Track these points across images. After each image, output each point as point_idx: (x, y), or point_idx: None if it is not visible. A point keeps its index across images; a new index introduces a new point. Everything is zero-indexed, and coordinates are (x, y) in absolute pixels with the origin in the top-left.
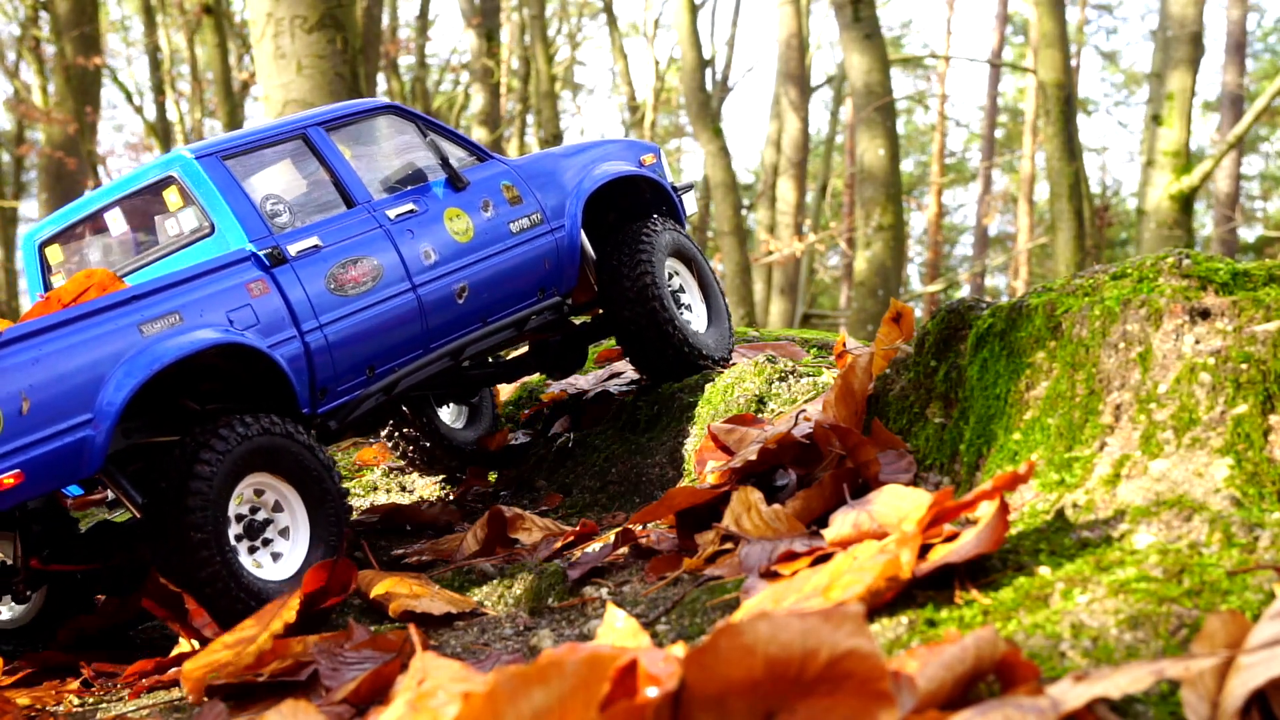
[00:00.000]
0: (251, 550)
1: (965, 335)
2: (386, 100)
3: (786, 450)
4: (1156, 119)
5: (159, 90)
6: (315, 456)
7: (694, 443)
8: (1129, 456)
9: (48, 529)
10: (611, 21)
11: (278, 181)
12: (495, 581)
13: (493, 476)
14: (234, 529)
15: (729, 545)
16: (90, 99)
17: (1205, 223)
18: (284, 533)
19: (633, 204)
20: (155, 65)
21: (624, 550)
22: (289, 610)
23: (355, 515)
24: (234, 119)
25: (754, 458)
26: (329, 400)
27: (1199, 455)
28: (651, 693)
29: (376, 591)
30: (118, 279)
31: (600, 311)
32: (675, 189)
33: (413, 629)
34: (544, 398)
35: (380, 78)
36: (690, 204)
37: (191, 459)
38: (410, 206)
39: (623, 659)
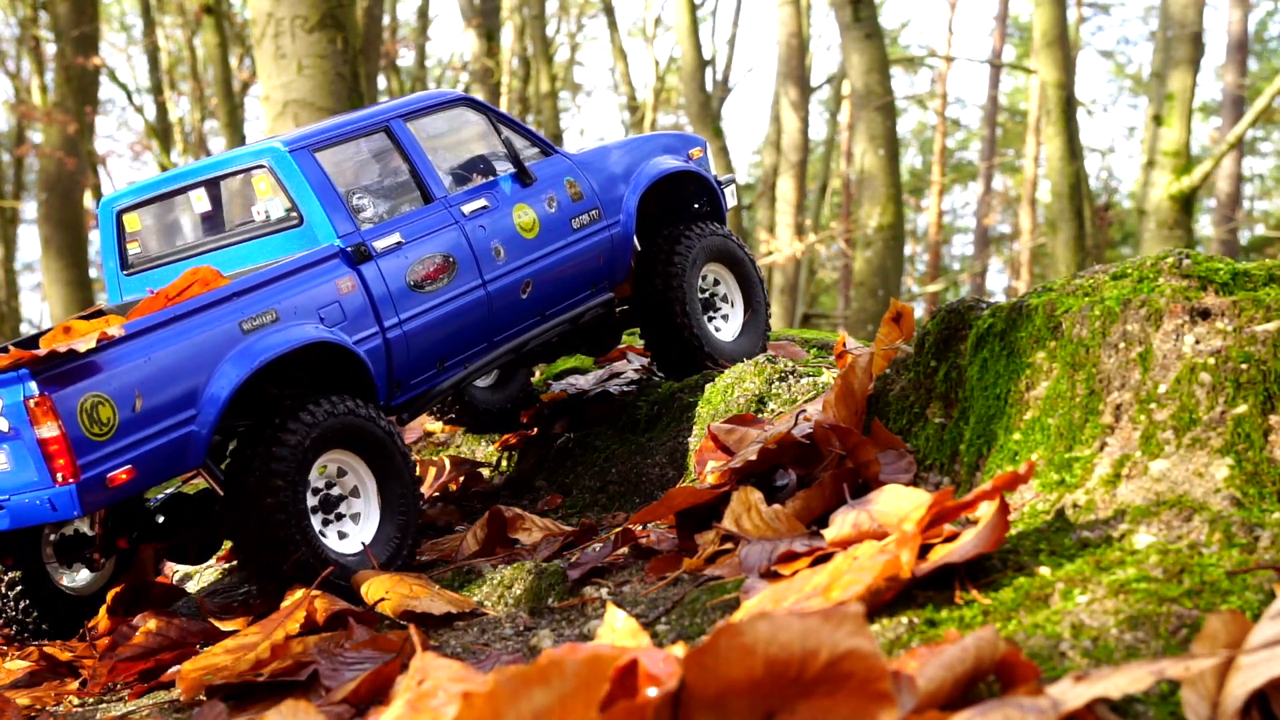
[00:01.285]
0: (327, 523)
1: (965, 335)
2: (462, 92)
3: (786, 450)
4: (1157, 119)
5: (159, 90)
6: (389, 437)
7: (694, 443)
8: (1129, 456)
9: (126, 503)
10: (611, 22)
11: (362, 174)
12: (495, 581)
13: (492, 476)
14: (311, 503)
15: (729, 545)
16: (90, 99)
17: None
18: (357, 506)
19: (677, 196)
20: (155, 65)
21: (624, 550)
22: (293, 621)
23: None
24: (234, 119)
25: (754, 458)
26: (403, 393)
27: (1199, 455)
28: (652, 693)
29: (376, 592)
30: (220, 275)
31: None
32: (719, 182)
33: (413, 629)
34: (544, 398)
35: (380, 78)
36: (731, 197)
37: (273, 440)
38: (483, 203)
39: (623, 659)
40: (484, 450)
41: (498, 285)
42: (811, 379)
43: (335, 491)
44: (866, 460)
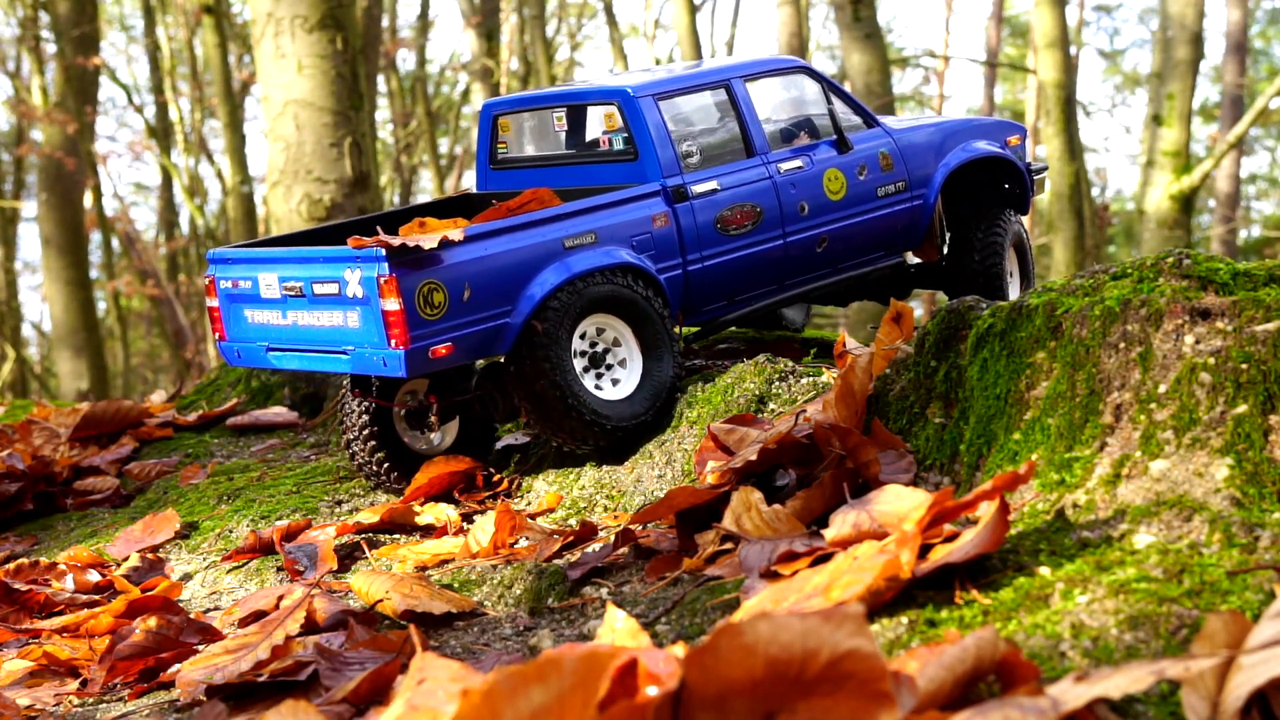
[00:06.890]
0: (599, 376)
1: (965, 335)
2: (802, 60)
3: (786, 450)
4: (1157, 119)
5: (159, 90)
6: (656, 311)
7: (694, 443)
8: (1129, 456)
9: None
10: (611, 22)
11: (696, 124)
12: (495, 581)
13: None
14: (580, 364)
15: (729, 545)
16: (90, 99)
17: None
18: (622, 364)
19: (985, 176)
20: (155, 65)
21: (624, 550)
22: (293, 621)
23: (354, 517)
24: (234, 119)
25: (754, 458)
26: (694, 318)
27: (1199, 455)
28: (652, 692)
29: (376, 591)
30: (555, 196)
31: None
32: (1030, 170)
33: (413, 629)
34: None
35: (380, 78)
36: (1041, 186)
37: (545, 307)
38: (799, 164)
39: (622, 658)
40: None
41: (796, 238)
42: (811, 379)
43: (600, 348)
44: (866, 460)
